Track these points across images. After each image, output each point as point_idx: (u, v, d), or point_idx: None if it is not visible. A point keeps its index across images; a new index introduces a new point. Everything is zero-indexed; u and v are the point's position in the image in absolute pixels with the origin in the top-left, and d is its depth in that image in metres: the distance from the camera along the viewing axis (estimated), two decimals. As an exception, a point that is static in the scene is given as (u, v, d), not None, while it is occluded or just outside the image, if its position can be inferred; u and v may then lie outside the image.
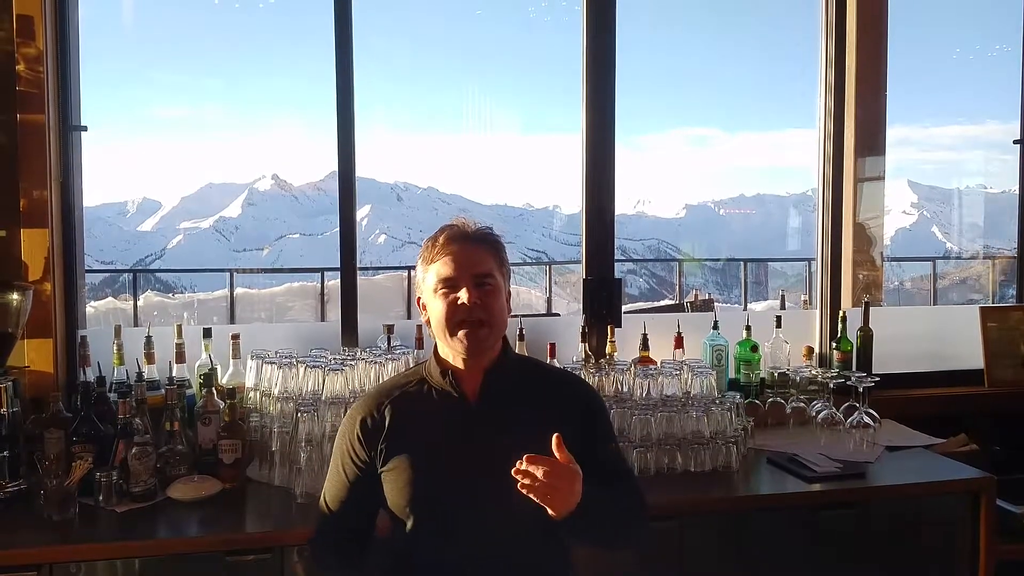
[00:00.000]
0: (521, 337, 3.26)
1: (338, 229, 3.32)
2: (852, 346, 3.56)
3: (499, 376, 2.05)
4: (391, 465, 2.02)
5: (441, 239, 2.02)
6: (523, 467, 1.78)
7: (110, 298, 10.14)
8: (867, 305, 3.64)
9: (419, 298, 2.09)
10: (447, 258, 1.99)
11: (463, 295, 1.96)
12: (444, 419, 2.04)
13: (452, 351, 2.03)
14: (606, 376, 3.03)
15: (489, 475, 1.94)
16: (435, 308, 2.00)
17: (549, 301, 10.85)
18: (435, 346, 2.11)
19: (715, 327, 3.44)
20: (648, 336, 3.31)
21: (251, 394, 2.93)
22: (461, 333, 1.97)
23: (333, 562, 2.11)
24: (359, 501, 2.08)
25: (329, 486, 2.14)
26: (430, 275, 2.01)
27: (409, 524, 2.01)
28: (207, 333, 3.03)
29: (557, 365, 3.13)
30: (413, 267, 2.19)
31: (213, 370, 2.94)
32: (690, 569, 2.63)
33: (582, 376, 3.05)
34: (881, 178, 4.19)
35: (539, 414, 2.03)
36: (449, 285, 1.98)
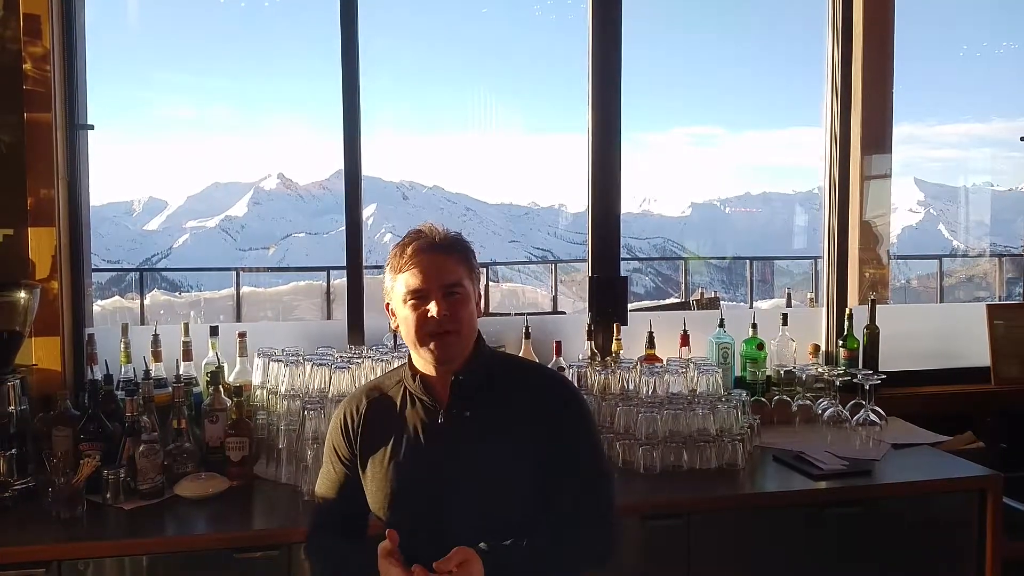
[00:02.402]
0: (527, 335, 3.27)
1: (344, 228, 3.33)
2: (858, 344, 3.56)
3: (468, 381, 2.04)
4: (367, 465, 2.04)
5: (409, 249, 1.99)
6: None
7: (117, 297, 10.16)
8: (873, 303, 3.64)
9: (387, 304, 2.08)
10: (415, 269, 1.97)
11: (432, 308, 1.94)
12: (416, 423, 2.04)
13: (423, 359, 2.03)
14: (612, 374, 3.04)
15: (458, 480, 1.97)
16: (404, 318, 1.99)
17: (555, 299, 10.84)
18: (409, 352, 2.11)
19: (721, 325, 3.44)
20: (654, 334, 3.31)
21: (258, 392, 2.94)
22: (431, 344, 1.97)
23: (326, 557, 2.11)
24: (350, 496, 2.09)
25: (321, 482, 2.15)
26: (399, 284, 2.00)
27: (386, 524, 2.01)
28: (214, 331, 3.04)
29: (545, 362, 3.16)
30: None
31: (220, 368, 2.94)
32: (696, 567, 2.63)
33: (587, 373, 3.07)
34: (887, 176, 4.18)
35: (509, 416, 2.02)
36: (418, 296, 1.96)
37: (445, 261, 1.99)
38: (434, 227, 2.05)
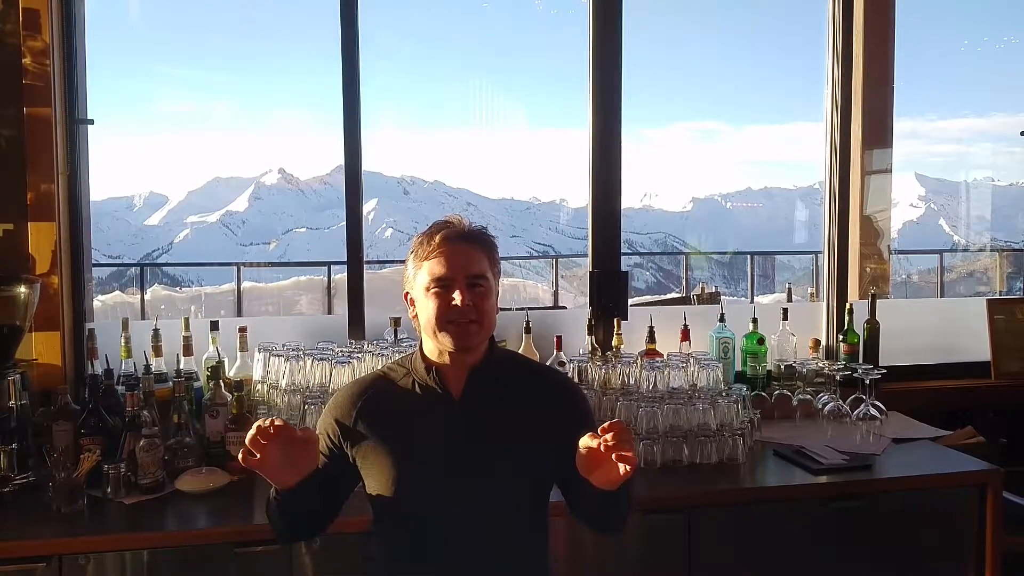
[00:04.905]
0: (528, 330, 3.27)
1: (345, 223, 3.33)
2: (859, 338, 3.56)
3: (484, 375, 2.04)
4: (370, 457, 2.01)
5: (437, 238, 1.99)
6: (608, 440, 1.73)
7: (117, 292, 10.18)
8: (874, 297, 3.64)
9: (407, 293, 2.07)
10: (442, 257, 1.96)
11: (456, 296, 1.94)
12: (427, 415, 2.03)
13: (439, 347, 2.01)
14: (612, 369, 3.03)
15: (469, 473, 1.97)
16: (426, 306, 1.98)
17: (556, 294, 10.85)
18: (420, 343, 2.10)
19: (722, 320, 3.44)
20: (655, 329, 3.30)
21: (258, 387, 2.94)
22: (451, 330, 1.96)
23: (280, 523, 2.03)
24: (325, 478, 2.03)
25: None
26: (423, 273, 1.99)
27: (386, 517, 2.02)
28: (214, 326, 3.04)
29: (544, 363, 3.14)
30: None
31: (220, 363, 2.94)
32: (697, 562, 2.63)
33: (587, 368, 3.06)
34: (888, 171, 4.19)
35: (522, 414, 2.04)
36: (442, 285, 1.96)
37: (471, 252, 1.99)
38: (461, 219, 2.05)
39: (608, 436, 1.73)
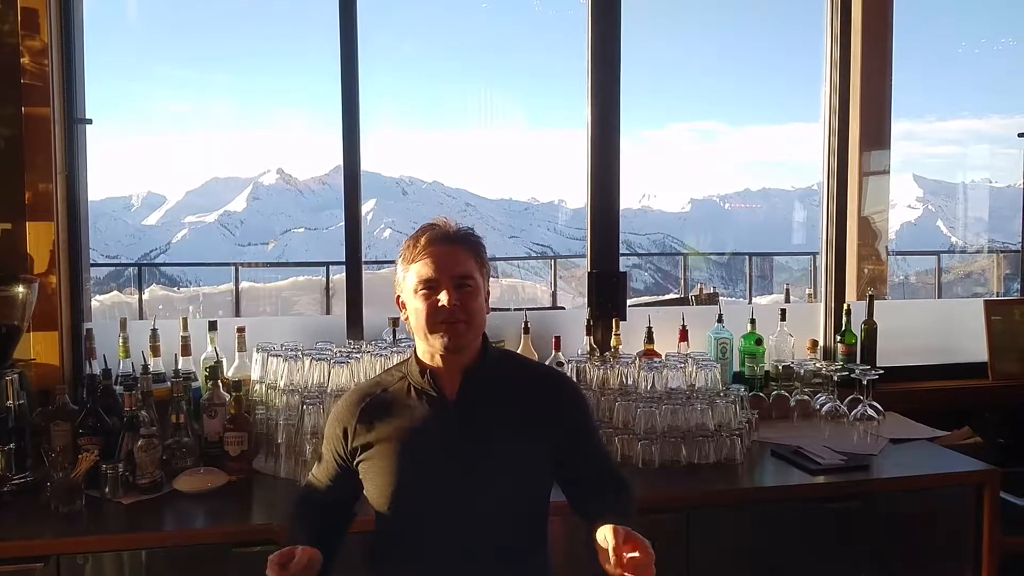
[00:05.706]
0: (526, 330, 3.27)
1: (343, 223, 3.33)
2: (856, 339, 3.56)
3: (478, 376, 2.05)
4: (369, 462, 2.03)
5: (423, 240, 2.01)
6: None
7: (115, 292, 10.17)
8: (871, 298, 3.64)
9: (398, 296, 2.09)
10: (428, 259, 1.98)
11: (443, 297, 1.96)
12: (423, 418, 2.04)
13: (431, 349, 2.03)
14: (611, 369, 3.04)
15: (467, 475, 1.97)
16: (415, 308, 2.00)
17: (554, 295, 10.85)
18: (414, 347, 2.11)
19: (720, 320, 3.44)
20: (653, 329, 3.31)
21: (257, 387, 2.93)
22: (441, 331, 1.97)
23: (305, 526, 2.05)
24: (338, 484, 2.09)
25: (317, 466, 2.16)
26: (410, 275, 2.01)
27: (388, 519, 2.02)
28: (213, 326, 3.04)
29: (543, 361, 3.16)
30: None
31: (219, 363, 2.94)
32: (695, 561, 2.63)
33: (586, 368, 3.07)
34: (886, 172, 4.20)
35: (519, 413, 2.04)
36: (429, 286, 1.98)
37: (457, 253, 2.00)
38: (447, 221, 2.07)
39: (627, 557, 1.76)
